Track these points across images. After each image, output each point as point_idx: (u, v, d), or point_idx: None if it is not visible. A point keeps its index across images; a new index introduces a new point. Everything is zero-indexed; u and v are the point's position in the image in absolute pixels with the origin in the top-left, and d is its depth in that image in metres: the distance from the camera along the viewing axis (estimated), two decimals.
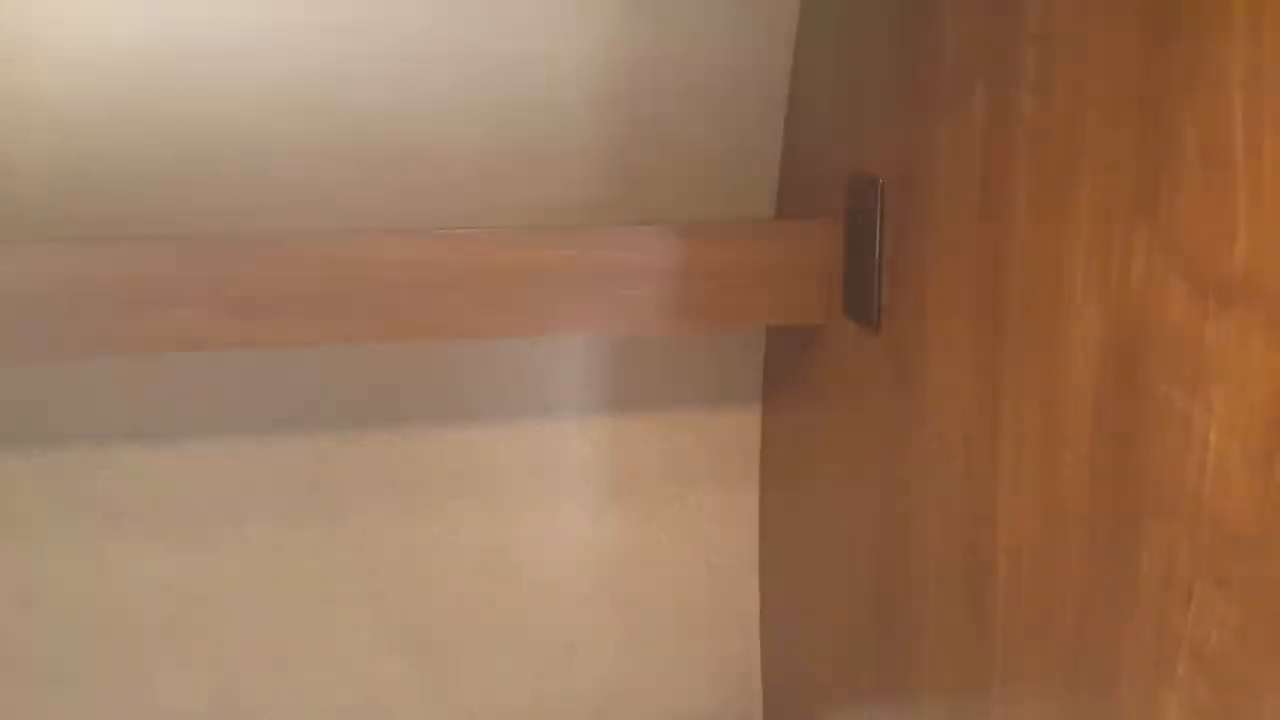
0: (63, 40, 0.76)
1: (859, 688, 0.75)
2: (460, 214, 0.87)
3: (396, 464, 0.95)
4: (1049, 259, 0.47)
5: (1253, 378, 0.34)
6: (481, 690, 1.00)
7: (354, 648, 0.97)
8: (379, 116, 0.84)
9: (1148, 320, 0.40)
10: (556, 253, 0.75)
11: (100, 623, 0.92)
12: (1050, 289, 0.47)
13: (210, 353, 0.84)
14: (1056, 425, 0.47)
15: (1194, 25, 0.37)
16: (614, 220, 0.89)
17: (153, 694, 0.96)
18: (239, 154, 0.81)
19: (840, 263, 0.72)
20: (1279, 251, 0.33)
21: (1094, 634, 0.45)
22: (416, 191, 0.85)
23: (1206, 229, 0.37)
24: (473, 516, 0.97)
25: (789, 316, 0.76)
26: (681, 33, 0.87)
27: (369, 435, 0.93)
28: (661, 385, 0.98)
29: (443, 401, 0.96)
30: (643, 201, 0.91)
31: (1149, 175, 0.40)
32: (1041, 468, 0.49)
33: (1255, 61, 0.34)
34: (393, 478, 0.94)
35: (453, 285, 0.73)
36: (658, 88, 0.88)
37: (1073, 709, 0.48)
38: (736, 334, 0.98)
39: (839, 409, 0.75)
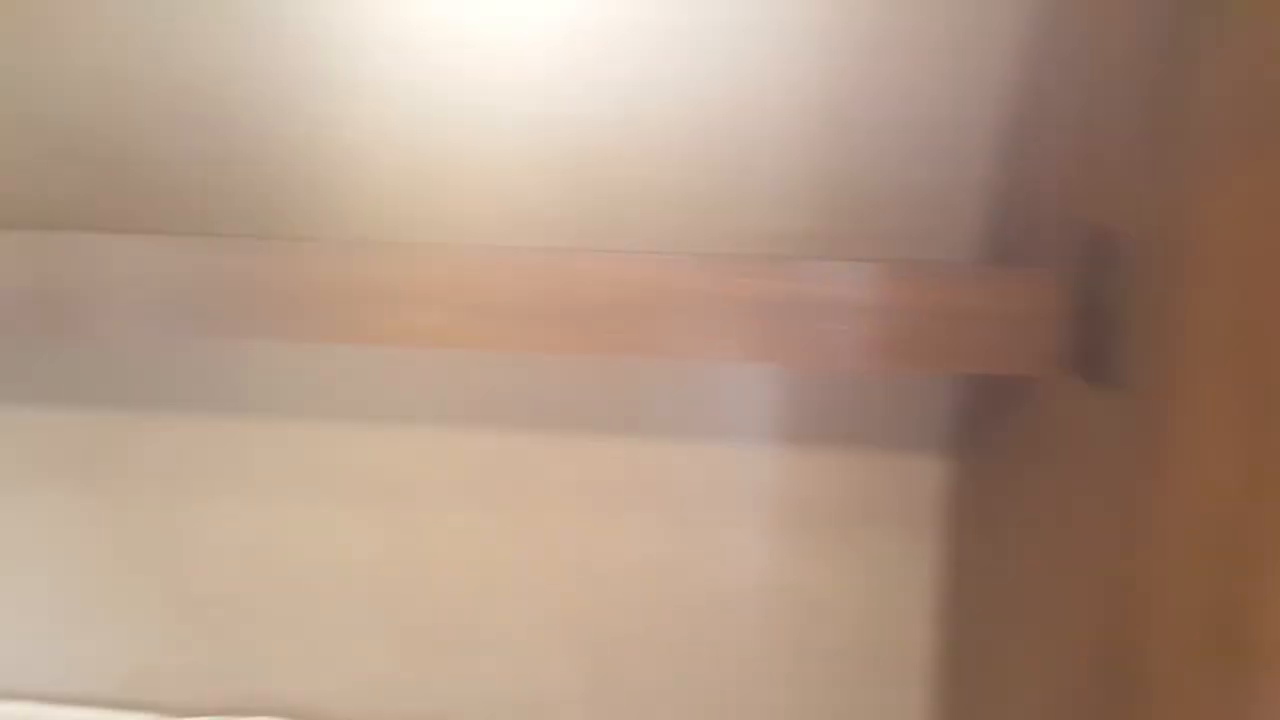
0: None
1: None
2: (666, 239, 0.91)
3: (582, 467, 0.98)
4: None
5: None
6: (642, 704, 1.02)
7: (530, 644, 1.01)
8: (595, 141, 0.88)
9: None
10: (764, 282, 0.76)
11: (316, 582, 1.02)
12: None
13: (428, 350, 0.90)
14: None
15: None
16: (814, 253, 0.90)
17: (357, 659, 1.04)
18: (465, 170, 0.87)
19: (1066, 316, 0.69)
20: None
21: None
22: (625, 218, 0.89)
23: None
24: (648, 528, 1.00)
25: (1002, 367, 0.73)
26: (891, 70, 0.87)
27: (557, 438, 0.98)
28: (844, 422, 0.98)
29: (629, 414, 0.99)
30: (844, 237, 0.91)
31: None
32: None
33: None
34: (580, 480, 0.98)
35: (663, 307, 0.76)
36: (865, 123, 0.88)
37: None
38: (927, 378, 0.96)
39: (1055, 465, 0.72)
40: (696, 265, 0.77)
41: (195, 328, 0.76)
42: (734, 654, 1.00)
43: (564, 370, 0.96)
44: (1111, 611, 0.65)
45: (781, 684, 1.00)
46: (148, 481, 1.03)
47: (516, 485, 0.98)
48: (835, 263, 0.80)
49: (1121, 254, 0.63)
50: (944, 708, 0.96)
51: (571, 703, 1.02)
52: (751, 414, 0.97)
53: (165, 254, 0.76)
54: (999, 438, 0.84)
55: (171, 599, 1.09)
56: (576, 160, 0.87)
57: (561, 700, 1.02)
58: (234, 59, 0.82)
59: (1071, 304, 0.69)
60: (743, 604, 0.99)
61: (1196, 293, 0.55)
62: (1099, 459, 0.65)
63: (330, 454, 0.99)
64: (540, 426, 0.98)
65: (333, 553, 1.03)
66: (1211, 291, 0.54)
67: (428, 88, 0.85)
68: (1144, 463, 0.59)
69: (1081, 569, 0.68)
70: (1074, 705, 0.70)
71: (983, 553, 0.87)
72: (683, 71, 0.85)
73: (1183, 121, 0.58)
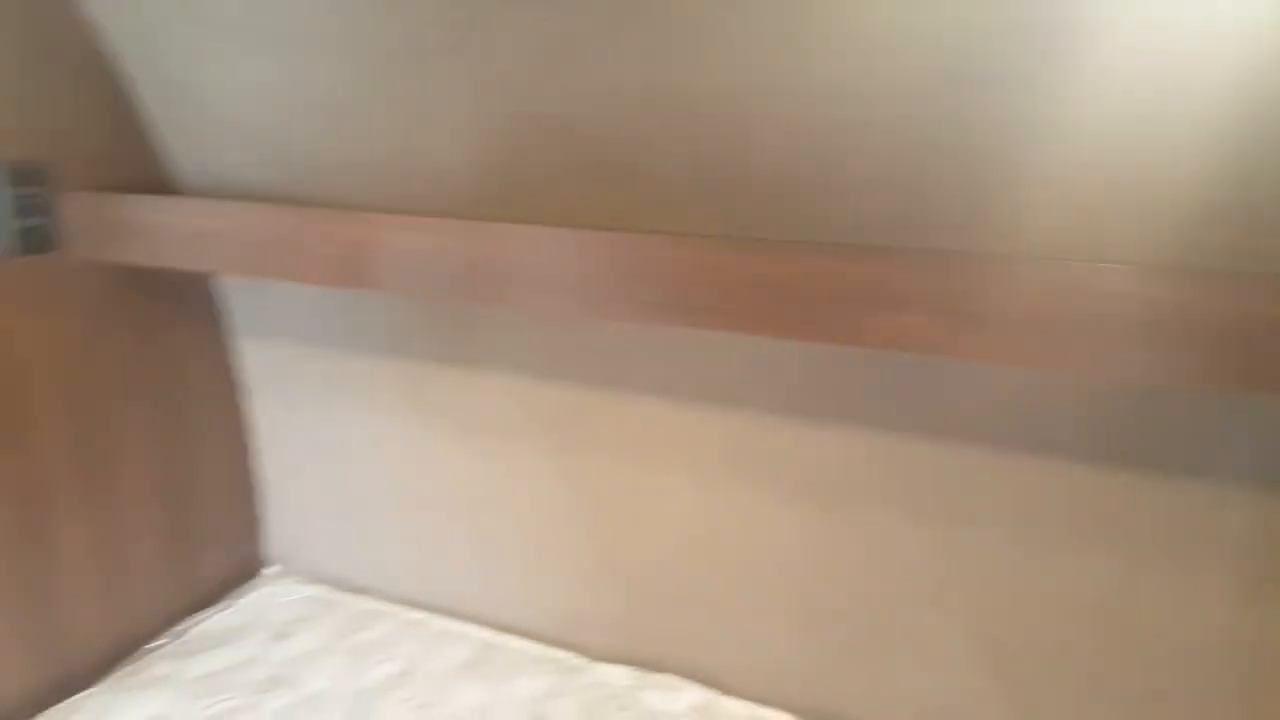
0: None
1: None
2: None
3: (1024, 493, 0.96)
4: None
5: None
6: None
7: (945, 657, 1.01)
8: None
9: None
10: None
11: (735, 562, 1.11)
12: None
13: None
14: None
15: None
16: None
17: (764, 641, 1.12)
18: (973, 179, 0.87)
19: None
20: None
21: None
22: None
23: None
24: (1089, 566, 0.95)
25: None
26: None
27: (1009, 459, 0.96)
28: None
29: (1097, 442, 0.94)
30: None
31: None
32: None
33: None
34: (1022, 508, 0.96)
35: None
36: None
37: None
38: None
39: None
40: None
41: (614, 311, 0.88)
42: (1181, 706, 0.92)
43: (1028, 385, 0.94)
44: None
45: None
46: (605, 450, 1.19)
47: (948, 500, 0.99)
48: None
49: None
50: None
51: None
52: (1230, 450, 0.89)
53: (575, 243, 0.88)
54: None
55: (607, 557, 1.24)
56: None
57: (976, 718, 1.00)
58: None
59: None
60: (1194, 654, 0.91)
61: None
62: None
63: (766, 444, 1.07)
64: (987, 443, 0.96)
65: (755, 537, 1.11)
66: None
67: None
68: None
69: None
70: None
71: None
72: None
73: None
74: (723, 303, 0.85)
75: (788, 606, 1.11)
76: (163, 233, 1.10)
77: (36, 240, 1.10)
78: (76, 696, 1.16)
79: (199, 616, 1.36)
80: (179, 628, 1.33)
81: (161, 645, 1.29)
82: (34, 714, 1.12)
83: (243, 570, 1.48)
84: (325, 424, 1.39)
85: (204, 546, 1.41)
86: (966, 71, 0.79)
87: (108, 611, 1.27)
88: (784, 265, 0.83)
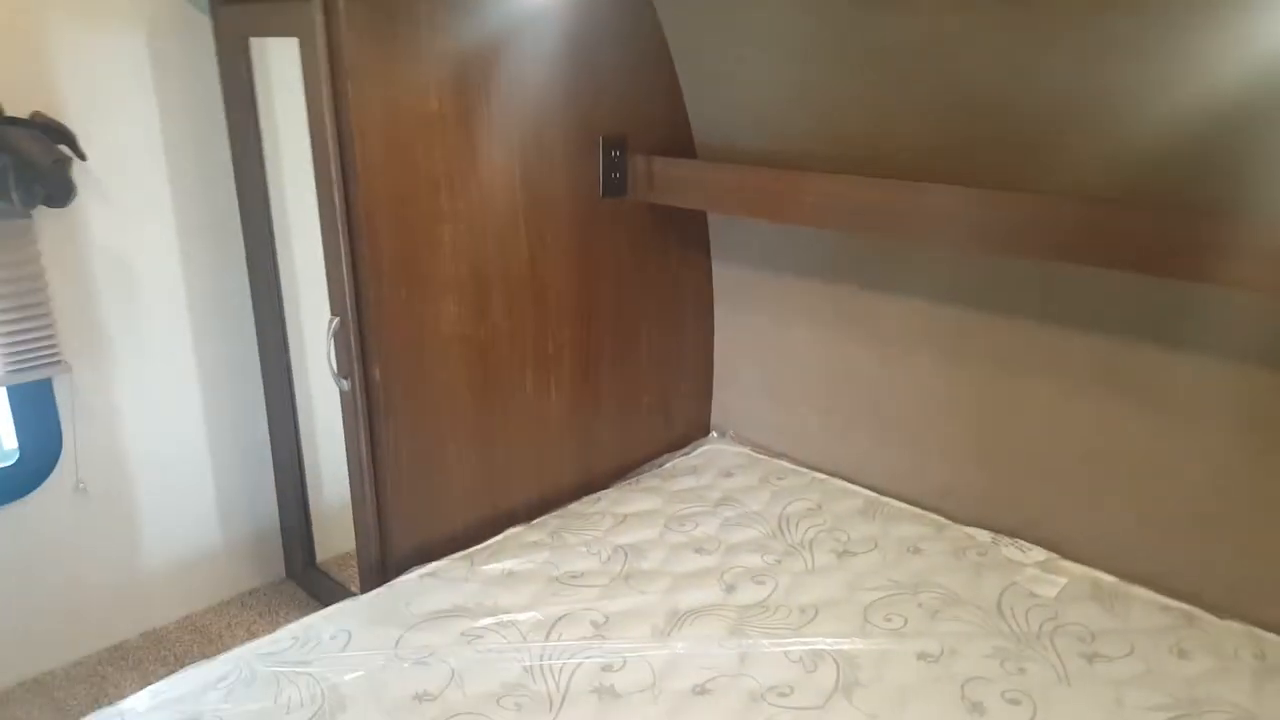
0: None
1: None
2: None
3: None
4: None
5: None
6: None
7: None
8: None
9: None
10: None
11: (1103, 467, 1.41)
12: None
13: None
14: None
15: None
16: None
17: (1109, 528, 1.42)
18: None
19: None
20: None
21: None
22: None
23: None
24: None
25: None
26: None
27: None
28: None
29: None
30: None
31: None
32: None
33: None
34: None
35: None
36: None
37: None
38: None
39: None
40: None
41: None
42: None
43: None
44: None
45: None
46: (982, 359, 1.54)
47: None
48: None
49: None
50: None
51: None
52: None
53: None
54: None
55: (976, 445, 1.60)
56: None
57: None
58: None
59: None
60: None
61: None
62: None
63: (1123, 363, 1.35)
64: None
65: (1106, 442, 1.40)
66: None
67: None
68: None
69: None
70: None
71: None
72: None
73: None
74: (1099, 249, 1.17)
75: (1128, 498, 1.39)
76: (689, 184, 1.67)
77: (617, 187, 1.73)
78: (599, 493, 1.81)
79: (673, 455, 1.96)
80: (659, 461, 1.95)
81: (648, 470, 1.91)
82: (569, 501, 1.78)
83: (697, 430, 2.06)
84: (766, 329, 1.90)
85: (679, 406, 2.01)
86: None
87: (620, 440, 1.91)
88: (1146, 222, 1.12)
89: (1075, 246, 1.19)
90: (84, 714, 1.22)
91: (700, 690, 1.22)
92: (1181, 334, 1.29)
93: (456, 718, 1.18)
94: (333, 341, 1.50)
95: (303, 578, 1.98)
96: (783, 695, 1.20)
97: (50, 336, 1.57)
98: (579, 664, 1.28)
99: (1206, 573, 1.33)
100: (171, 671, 1.30)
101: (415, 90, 1.42)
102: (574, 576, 1.49)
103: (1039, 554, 1.50)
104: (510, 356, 1.68)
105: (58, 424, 1.62)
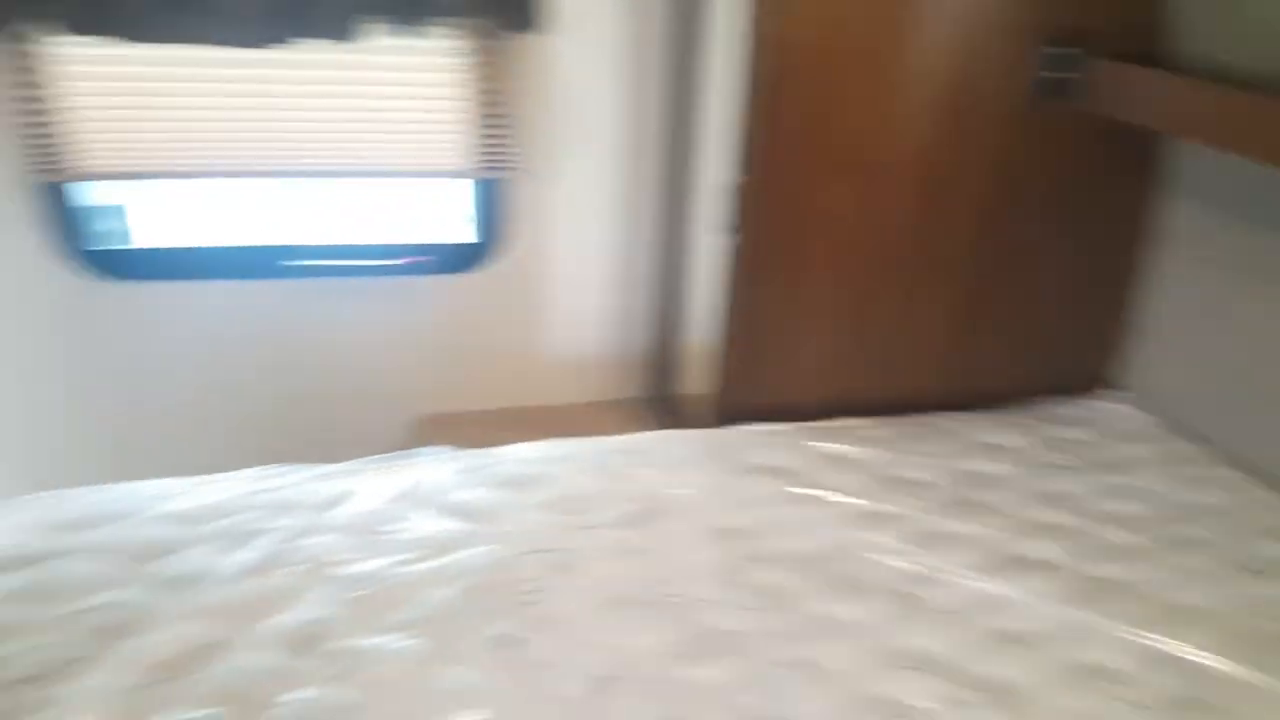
0: None
1: None
2: None
3: None
4: None
5: None
6: None
7: None
8: None
9: None
10: None
11: None
12: None
13: None
14: None
15: None
16: None
17: None
18: None
19: None
20: None
21: None
22: None
23: None
24: None
25: None
26: None
27: None
28: None
29: None
30: None
31: None
32: None
33: None
34: None
35: None
36: None
37: None
38: None
39: None
40: None
41: None
42: None
43: None
44: None
45: None
46: None
47: None
48: None
49: None
50: None
51: None
52: None
53: None
54: None
55: None
56: None
57: None
58: None
59: None
60: None
61: None
62: None
63: None
64: None
65: None
66: None
67: None
68: None
69: None
70: None
71: None
72: None
73: None
74: None
75: None
76: (1157, 103, 1.39)
77: (1059, 90, 1.49)
78: (959, 413, 1.68)
79: (1055, 400, 1.75)
80: (1036, 400, 1.75)
81: (1022, 407, 1.72)
82: (926, 412, 1.67)
83: (1091, 383, 1.80)
84: (1226, 294, 1.55)
85: (1074, 351, 1.80)
86: None
87: (997, 367, 1.75)
88: None
89: None
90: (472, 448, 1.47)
91: (1014, 639, 1.12)
92: None
93: (760, 563, 1.22)
94: (733, 197, 1.54)
95: (658, 404, 2.15)
96: (1113, 682, 1.06)
97: (516, 146, 1.81)
98: (887, 563, 1.24)
99: None
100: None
101: None
102: (908, 484, 1.44)
103: None
104: (897, 251, 1.61)
105: (507, 217, 1.90)
